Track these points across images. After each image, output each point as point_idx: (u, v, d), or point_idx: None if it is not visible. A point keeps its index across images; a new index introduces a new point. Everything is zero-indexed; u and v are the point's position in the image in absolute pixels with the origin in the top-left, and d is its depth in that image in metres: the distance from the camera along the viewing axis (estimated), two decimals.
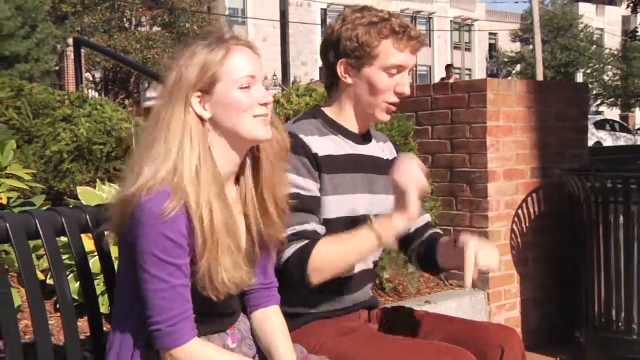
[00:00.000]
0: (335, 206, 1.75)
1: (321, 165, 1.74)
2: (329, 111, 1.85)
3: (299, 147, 1.70)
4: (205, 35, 1.46)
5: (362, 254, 1.70)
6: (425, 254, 1.89)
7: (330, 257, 1.65)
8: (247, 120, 1.42)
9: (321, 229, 1.72)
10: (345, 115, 1.83)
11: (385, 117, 1.83)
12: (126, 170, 1.42)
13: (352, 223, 1.77)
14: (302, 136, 1.74)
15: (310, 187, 1.71)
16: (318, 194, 1.73)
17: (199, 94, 1.40)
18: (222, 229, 1.36)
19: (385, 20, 1.75)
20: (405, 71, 1.78)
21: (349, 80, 1.79)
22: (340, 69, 1.78)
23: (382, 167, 1.89)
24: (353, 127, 1.85)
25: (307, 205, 1.69)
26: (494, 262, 1.61)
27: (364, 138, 1.88)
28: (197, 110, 1.40)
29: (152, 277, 1.32)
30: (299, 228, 1.67)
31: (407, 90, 1.79)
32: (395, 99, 1.79)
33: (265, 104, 1.44)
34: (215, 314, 1.47)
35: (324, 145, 1.77)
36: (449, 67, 15.17)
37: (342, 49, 1.76)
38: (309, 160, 1.72)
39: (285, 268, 1.65)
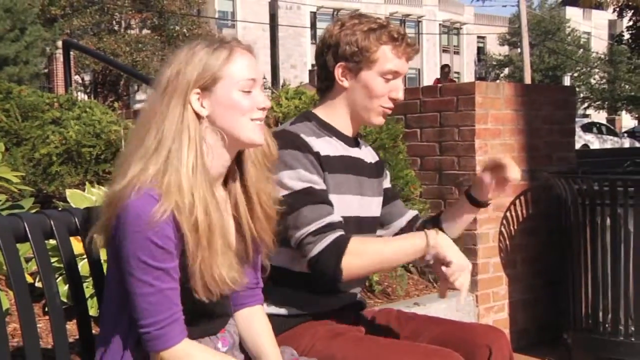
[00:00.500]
0: (336, 205, 1.77)
1: (323, 164, 1.76)
2: (321, 113, 1.87)
3: (302, 146, 1.73)
4: (206, 36, 1.47)
5: (404, 259, 1.73)
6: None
7: (368, 256, 1.68)
8: (244, 122, 1.42)
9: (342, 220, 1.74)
10: (338, 117, 1.86)
11: (380, 121, 1.86)
12: (115, 167, 1.41)
13: (346, 224, 1.78)
14: (303, 136, 1.76)
15: (320, 181, 1.73)
16: (325, 188, 1.75)
17: (198, 90, 1.39)
18: (216, 228, 1.36)
19: (384, 27, 1.79)
20: (399, 77, 1.82)
21: (346, 84, 1.82)
22: (337, 72, 1.81)
23: (369, 170, 1.92)
24: (345, 129, 1.87)
25: (322, 197, 1.72)
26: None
27: (355, 141, 1.91)
28: (194, 106, 1.39)
29: (139, 281, 1.32)
30: (328, 219, 1.68)
31: (400, 96, 1.83)
32: (390, 104, 1.83)
33: (264, 108, 1.44)
34: (205, 314, 1.47)
35: (321, 145, 1.79)
36: (445, 68, 13.80)
37: (340, 53, 1.79)
38: (314, 157, 1.74)
39: (318, 260, 1.65)
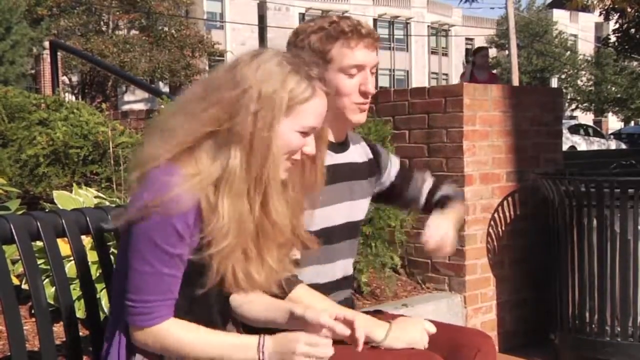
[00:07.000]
0: (315, 219, 1.75)
1: None
2: None
3: None
4: (293, 56, 1.42)
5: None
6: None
7: None
8: (281, 161, 1.39)
9: None
10: None
11: (359, 117, 1.79)
12: (156, 128, 1.40)
13: (330, 233, 1.77)
14: None
15: None
16: None
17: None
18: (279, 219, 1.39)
19: (334, 23, 1.73)
20: (364, 70, 1.75)
21: None
22: None
23: (360, 171, 1.89)
24: (329, 135, 1.84)
25: None
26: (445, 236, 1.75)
27: (342, 145, 1.87)
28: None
29: (141, 258, 1.31)
30: None
31: (370, 89, 1.75)
32: (362, 99, 1.76)
33: (307, 155, 1.43)
34: (204, 314, 1.44)
35: None
36: (480, 51, 8.88)
37: None
38: None
39: None
